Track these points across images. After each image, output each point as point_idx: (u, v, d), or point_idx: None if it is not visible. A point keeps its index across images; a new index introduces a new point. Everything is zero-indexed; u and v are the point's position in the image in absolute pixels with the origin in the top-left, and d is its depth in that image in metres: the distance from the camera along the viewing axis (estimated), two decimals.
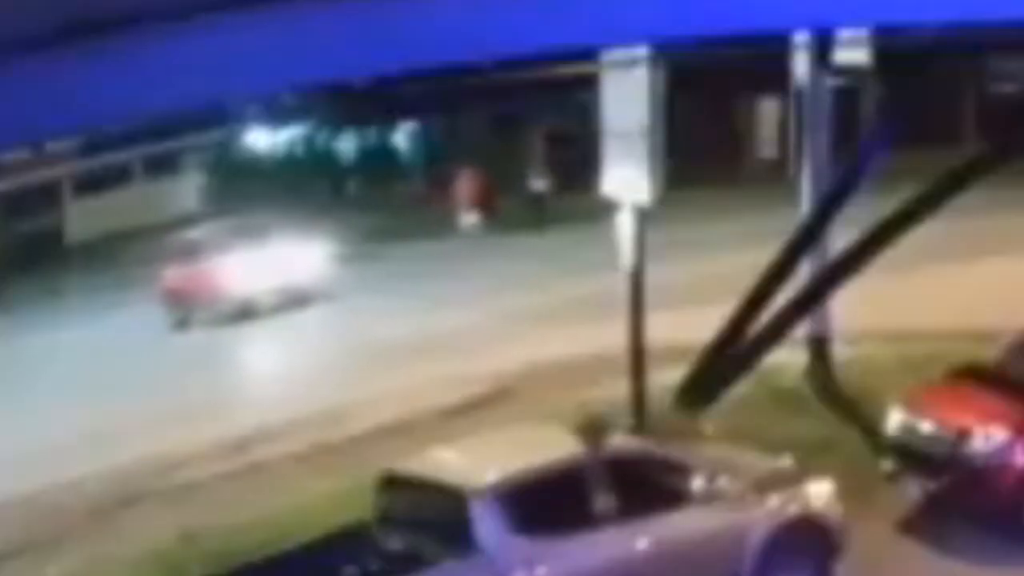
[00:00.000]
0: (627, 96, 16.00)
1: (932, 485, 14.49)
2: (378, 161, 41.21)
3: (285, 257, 28.30)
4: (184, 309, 28.74)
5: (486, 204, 33.39)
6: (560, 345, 20.61)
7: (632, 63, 15.19)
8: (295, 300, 27.95)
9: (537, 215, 32.76)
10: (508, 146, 37.81)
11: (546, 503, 12.26)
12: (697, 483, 12.93)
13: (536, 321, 22.80)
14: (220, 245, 28.90)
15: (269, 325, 27.63)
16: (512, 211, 33.32)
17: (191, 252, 29.37)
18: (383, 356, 22.12)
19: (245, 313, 27.76)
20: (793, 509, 13.30)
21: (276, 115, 40.20)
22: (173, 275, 29.22)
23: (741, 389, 15.84)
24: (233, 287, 28.10)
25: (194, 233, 30.99)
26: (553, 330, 21.86)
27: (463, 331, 22.94)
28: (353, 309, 26.95)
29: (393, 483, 13.01)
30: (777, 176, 30.54)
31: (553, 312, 23.11)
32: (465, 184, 33.59)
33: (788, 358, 16.94)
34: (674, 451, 13.61)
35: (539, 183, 33.53)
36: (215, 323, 27.88)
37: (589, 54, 14.77)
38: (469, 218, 33.33)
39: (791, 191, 18.80)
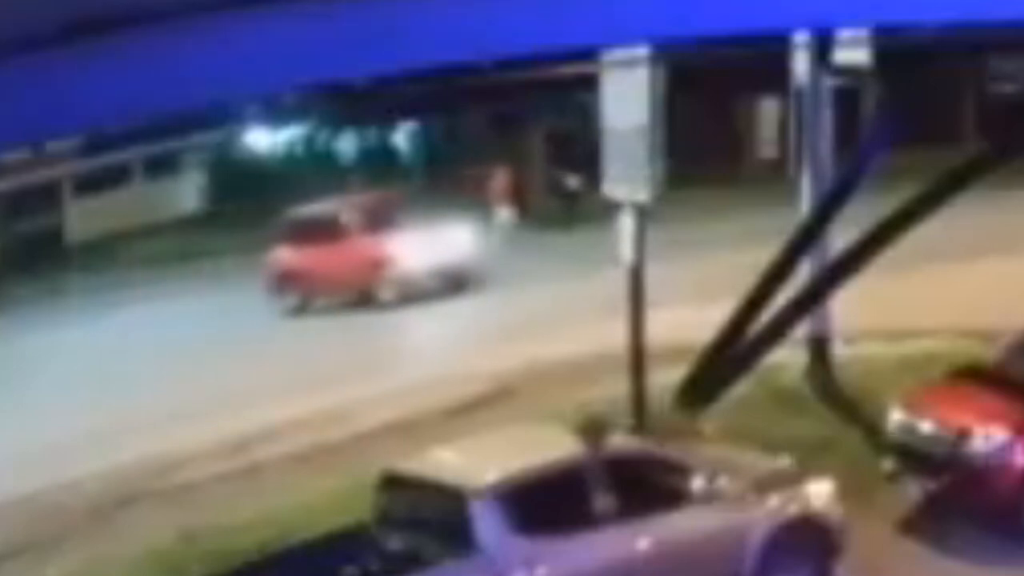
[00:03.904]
0: (627, 96, 16.02)
1: (932, 485, 14.50)
2: (378, 161, 41.23)
3: (442, 237, 26.37)
4: (305, 294, 26.90)
5: (518, 201, 34.06)
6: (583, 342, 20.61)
7: (632, 63, 15.20)
8: (452, 284, 26.40)
9: (568, 212, 33.15)
10: (508, 146, 37.86)
11: (546, 503, 12.27)
12: (697, 483, 12.94)
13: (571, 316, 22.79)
14: (371, 223, 26.72)
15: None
16: (539, 208, 33.75)
17: (325, 231, 26.99)
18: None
19: (406, 298, 26.02)
20: (793, 509, 13.32)
21: (276, 115, 40.20)
22: (290, 256, 27.14)
23: (741, 389, 15.86)
24: (396, 268, 26.16)
25: (314, 210, 28.41)
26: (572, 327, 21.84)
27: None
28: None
29: (393, 483, 13.02)
30: (777, 176, 30.54)
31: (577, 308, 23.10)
32: (499, 181, 34.22)
33: (788, 358, 16.94)
34: (674, 451, 13.61)
35: (572, 181, 34.01)
36: (335, 309, 26.58)
37: (589, 54, 14.76)
38: (503, 214, 33.93)
39: (791, 191, 18.80)
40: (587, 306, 22.18)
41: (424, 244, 26.13)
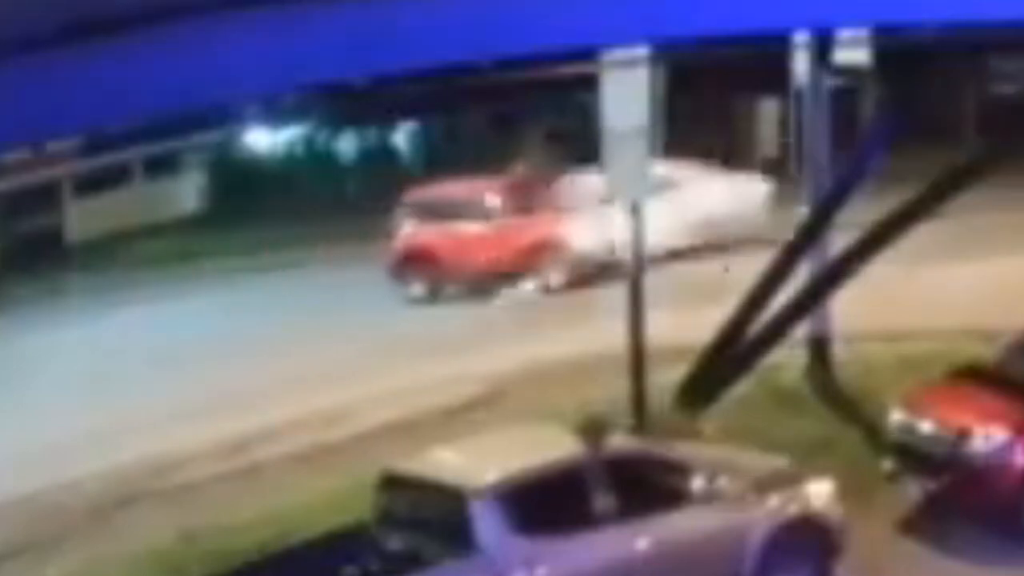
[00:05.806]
0: (627, 96, 16.03)
1: (932, 485, 14.50)
2: (378, 161, 41.20)
3: (610, 220, 24.99)
4: (435, 279, 24.92)
5: None
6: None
7: (632, 63, 15.21)
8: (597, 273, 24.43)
9: None
10: (510, 146, 37.87)
11: (546, 503, 12.27)
12: (697, 483, 12.94)
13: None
14: (523, 203, 24.94)
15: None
16: None
17: (470, 211, 25.16)
18: None
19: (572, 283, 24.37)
20: (793, 509, 13.31)
21: (276, 115, 40.19)
22: (420, 238, 25.15)
23: (741, 389, 15.87)
24: (568, 251, 24.39)
25: (449, 190, 26.38)
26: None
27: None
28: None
29: (393, 483, 13.02)
30: (777, 176, 30.56)
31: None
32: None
33: (788, 358, 16.93)
34: (674, 451, 13.61)
35: None
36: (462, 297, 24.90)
37: (589, 54, 14.78)
38: None
39: (791, 191, 18.80)
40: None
41: (596, 227, 23.99)
